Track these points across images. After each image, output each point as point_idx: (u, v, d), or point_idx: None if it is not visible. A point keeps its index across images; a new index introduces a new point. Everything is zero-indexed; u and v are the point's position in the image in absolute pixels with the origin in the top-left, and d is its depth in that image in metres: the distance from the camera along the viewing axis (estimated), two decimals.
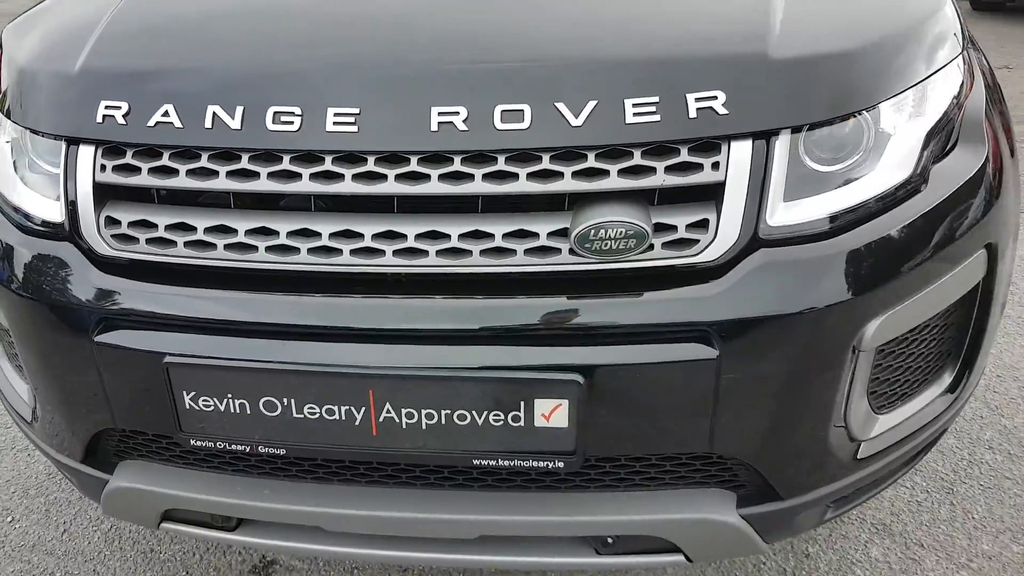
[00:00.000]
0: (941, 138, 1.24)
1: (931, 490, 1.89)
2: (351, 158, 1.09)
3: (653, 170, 1.06)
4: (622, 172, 1.06)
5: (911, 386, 1.30)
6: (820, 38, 1.17)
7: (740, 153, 1.07)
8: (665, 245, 1.07)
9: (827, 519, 1.34)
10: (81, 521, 1.89)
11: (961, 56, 1.32)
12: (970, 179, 1.24)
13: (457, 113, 1.07)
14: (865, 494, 1.35)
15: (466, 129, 1.07)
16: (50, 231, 1.22)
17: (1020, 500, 1.84)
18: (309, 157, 1.09)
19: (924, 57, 1.24)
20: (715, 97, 1.06)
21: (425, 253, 1.08)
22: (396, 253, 1.08)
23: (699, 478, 1.19)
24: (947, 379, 1.35)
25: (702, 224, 1.07)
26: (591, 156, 1.06)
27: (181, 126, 1.12)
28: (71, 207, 1.19)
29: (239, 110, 1.11)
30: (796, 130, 1.11)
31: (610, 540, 1.21)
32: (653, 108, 1.06)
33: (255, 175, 1.10)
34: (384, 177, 1.08)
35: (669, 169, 1.07)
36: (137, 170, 1.14)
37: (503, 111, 1.07)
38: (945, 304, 1.23)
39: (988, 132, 1.33)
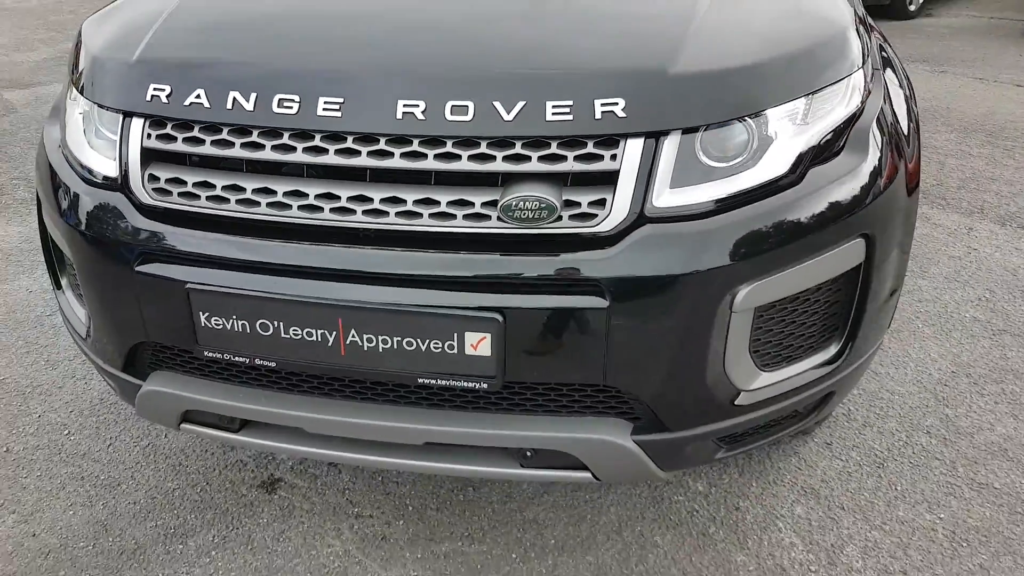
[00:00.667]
0: (825, 144, 1.50)
1: (863, 463, 2.11)
2: (335, 137, 1.40)
3: (565, 158, 1.36)
4: (541, 158, 1.35)
5: (795, 351, 1.55)
6: (717, 58, 1.44)
7: (633, 149, 1.35)
8: (571, 217, 1.36)
9: (720, 457, 1.60)
10: (124, 438, 2.25)
11: (853, 76, 1.57)
12: (846, 180, 1.49)
13: (417, 105, 1.38)
14: (753, 439, 1.61)
15: (423, 119, 1.37)
16: (107, 184, 1.56)
17: (944, 478, 2.04)
18: (303, 135, 1.41)
19: (811, 75, 1.50)
20: (617, 103, 1.35)
21: (387, 214, 1.39)
22: (364, 212, 1.40)
23: (600, 407, 1.47)
24: (832, 350, 1.60)
25: (600, 203, 1.36)
26: (518, 144, 1.36)
27: (209, 106, 1.45)
28: (124, 166, 1.53)
29: (253, 96, 1.44)
30: (688, 131, 1.38)
31: (528, 454, 1.50)
32: (568, 110, 1.35)
33: (262, 147, 1.43)
34: (359, 153, 1.39)
35: (577, 158, 1.36)
36: (174, 139, 1.48)
37: (452, 105, 1.37)
38: (817, 281, 1.48)
39: (877, 142, 1.58)
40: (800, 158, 1.45)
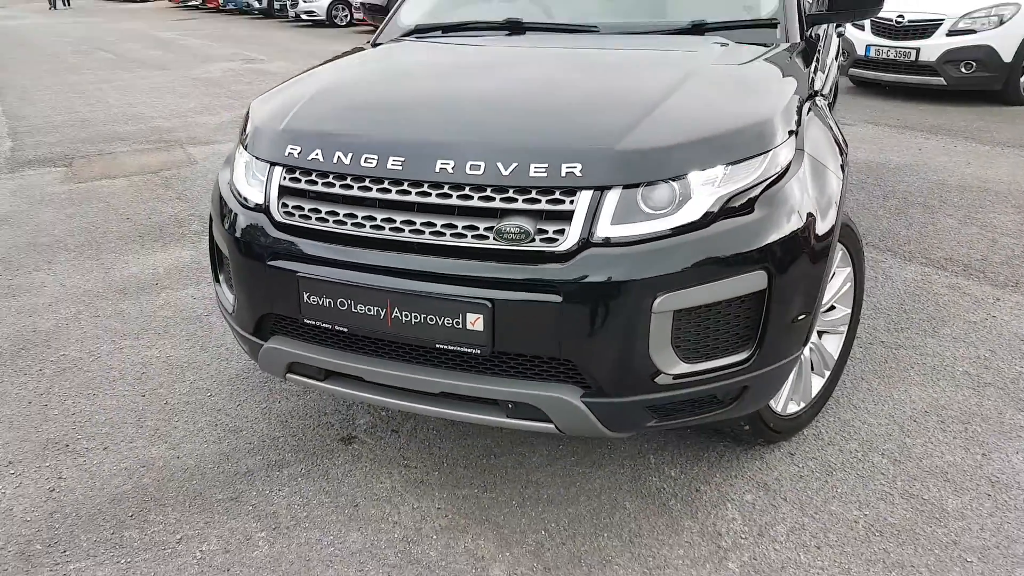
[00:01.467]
0: (738, 197, 2.08)
1: (816, 470, 2.54)
2: (396, 182, 2.13)
3: (540, 200, 2.02)
4: (524, 200, 2.02)
5: (712, 350, 2.10)
6: (657, 138, 2.07)
7: (584, 197, 1.99)
8: (541, 240, 2.00)
9: (652, 425, 2.15)
10: (250, 402, 3.02)
11: (769, 153, 2.15)
12: (750, 227, 2.07)
13: (449, 163, 2.09)
14: (680, 415, 2.15)
15: (452, 172, 2.08)
16: (255, 208, 2.35)
17: (881, 488, 2.46)
18: (377, 180, 2.15)
19: (731, 151, 2.09)
20: (576, 166, 2.01)
21: (423, 232, 2.08)
22: (410, 231, 2.10)
23: (559, 375, 2.08)
24: (744, 354, 2.15)
25: (561, 231, 2.00)
26: (510, 191, 2.03)
27: (322, 160, 2.22)
28: (267, 197, 2.32)
29: (349, 155, 2.18)
30: (629, 187, 2.02)
31: (510, 406, 2.14)
32: (544, 169, 2.02)
33: (351, 187, 2.18)
34: (410, 192, 2.11)
35: (548, 201, 2.02)
36: (299, 181, 2.26)
37: (470, 164, 2.08)
38: (724, 297, 2.05)
39: (785, 202, 2.15)
40: (711, 210, 2.05)
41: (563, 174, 2.00)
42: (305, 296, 2.20)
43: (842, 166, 2.51)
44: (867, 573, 2.13)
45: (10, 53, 16.75)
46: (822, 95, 3.12)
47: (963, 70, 8.01)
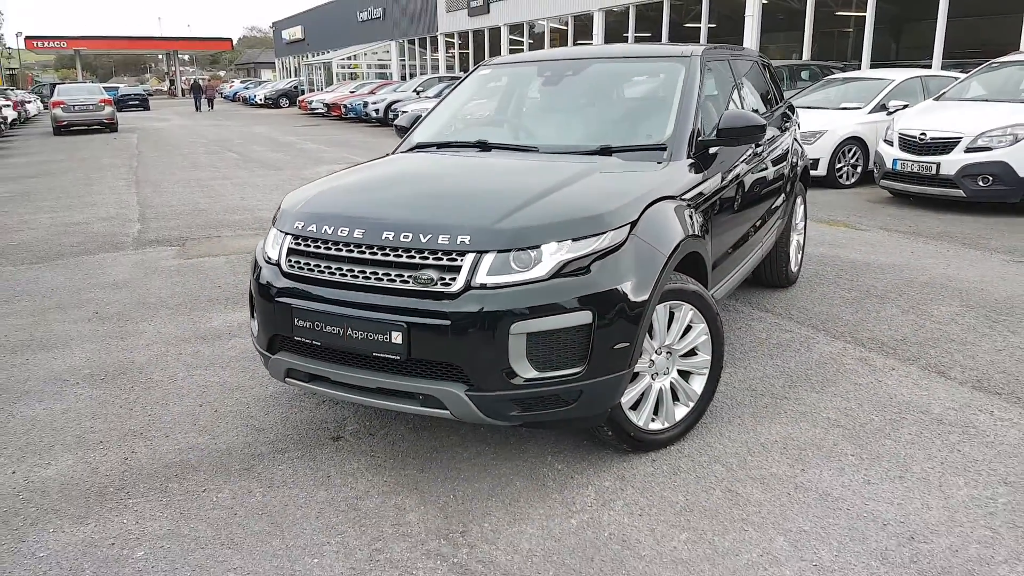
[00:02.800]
0: (580, 260, 3.06)
1: (665, 471, 3.34)
2: (358, 245, 3.21)
3: (442, 258, 3.06)
4: (434, 258, 3.06)
5: (556, 362, 3.02)
6: (526, 220, 3.09)
7: (470, 257, 2.99)
8: (439, 284, 3.03)
9: (515, 415, 3.02)
10: (271, 412, 4.10)
11: (605, 233, 3.12)
12: (582, 280, 3.03)
13: (391, 233, 3.16)
14: (535, 410, 3.03)
15: (392, 239, 3.14)
16: (271, 263, 3.47)
17: (709, 484, 3.24)
18: (346, 244, 3.23)
19: (577, 230, 3.08)
20: (467, 237, 3.04)
21: (369, 277, 3.16)
22: (363, 277, 3.17)
23: (452, 375, 3.06)
24: (578, 368, 3.06)
25: (453, 279, 3.02)
26: (425, 252, 3.08)
27: (315, 231, 3.32)
28: (279, 255, 3.44)
29: (332, 228, 3.27)
30: (501, 252, 3.04)
31: (421, 397, 3.12)
32: (447, 239, 3.04)
33: (330, 248, 3.27)
34: (365, 251, 3.19)
35: (447, 259, 3.04)
36: (299, 243, 3.37)
37: (403, 234, 3.12)
38: (563, 326, 2.99)
39: (610, 268, 3.09)
40: (555, 269, 3.03)
41: (458, 242, 3.04)
42: (296, 321, 3.28)
43: (677, 247, 3.40)
44: (667, 530, 2.97)
45: (153, 152, 19.20)
46: (718, 194, 4.05)
47: (981, 184, 8.67)
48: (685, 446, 3.60)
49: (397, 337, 3.05)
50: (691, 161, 3.92)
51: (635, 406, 3.45)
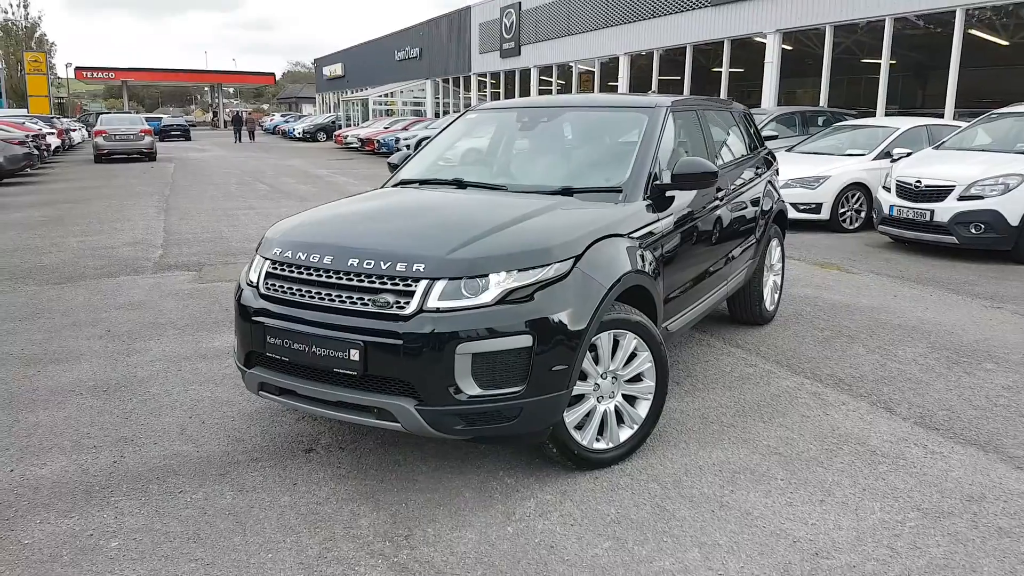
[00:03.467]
0: (525, 288, 3.37)
1: (605, 487, 3.58)
2: (325, 270, 3.55)
3: (399, 284, 3.38)
4: (392, 283, 3.38)
5: (498, 381, 3.32)
6: (475, 251, 3.41)
7: (423, 283, 3.31)
8: (395, 307, 3.36)
9: (460, 429, 3.33)
10: (254, 426, 4.43)
11: (549, 265, 3.44)
12: (526, 306, 3.34)
13: (356, 261, 3.49)
14: (480, 425, 3.33)
15: (356, 265, 3.46)
16: (251, 285, 3.82)
17: (640, 500, 3.48)
18: (315, 269, 3.58)
19: (523, 262, 3.39)
20: (422, 265, 3.36)
21: (335, 299, 3.49)
22: (328, 299, 3.50)
23: (404, 391, 3.37)
24: (519, 388, 3.35)
25: (407, 303, 3.34)
26: (384, 278, 3.40)
27: (291, 257, 3.66)
28: (258, 278, 3.79)
29: (305, 255, 3.62)
30: (452, 279, 3.36)
31: (376, 411, 3.43)
32: (404, 267, 3.37)
33: (301, 272, 3.62)
34: (332, 275, 3.53)
35: (403, 285, 3.36)
36: (276, 267, 3.72)
37: (366, 262, 3.45)
38: (504, 348, 3.30)
39: (551, 297, 3.40)
40: (500, 296, 3.34)
41: (414, 270, 3.37)
42: (268, 338, 3.62)
43: (619, 280, 3.69)
44: (593, 539, 3.23)
45: (187, 181, 19.89)
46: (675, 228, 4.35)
47: (973, 231, 8.86)
48: (628, 465, 3.86)
49: (355, 354, 3.37)
50: (647, 203, 4.22)
51: (580, 426, 3.71)
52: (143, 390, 4.96)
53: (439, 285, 3.33)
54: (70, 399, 4.80)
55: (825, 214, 11.02)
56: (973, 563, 3.05)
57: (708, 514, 3.42)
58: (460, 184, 4.62)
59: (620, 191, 4.22)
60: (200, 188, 18.21)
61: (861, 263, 9.00)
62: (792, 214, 10.84)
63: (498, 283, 3.36)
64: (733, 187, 5.34)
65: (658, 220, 4.23)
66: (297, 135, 48.71)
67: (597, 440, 3.79)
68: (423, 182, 4.85)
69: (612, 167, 4.51)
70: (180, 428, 4.38)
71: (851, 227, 11.23)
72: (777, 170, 6.66)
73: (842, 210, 11.15)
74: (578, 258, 3.57)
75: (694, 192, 4.58)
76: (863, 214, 11.23)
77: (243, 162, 28.20)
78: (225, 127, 73.79)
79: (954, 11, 14.66)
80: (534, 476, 3.78)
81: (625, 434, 3.87)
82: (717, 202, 4.98)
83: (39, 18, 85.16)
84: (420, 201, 4.43)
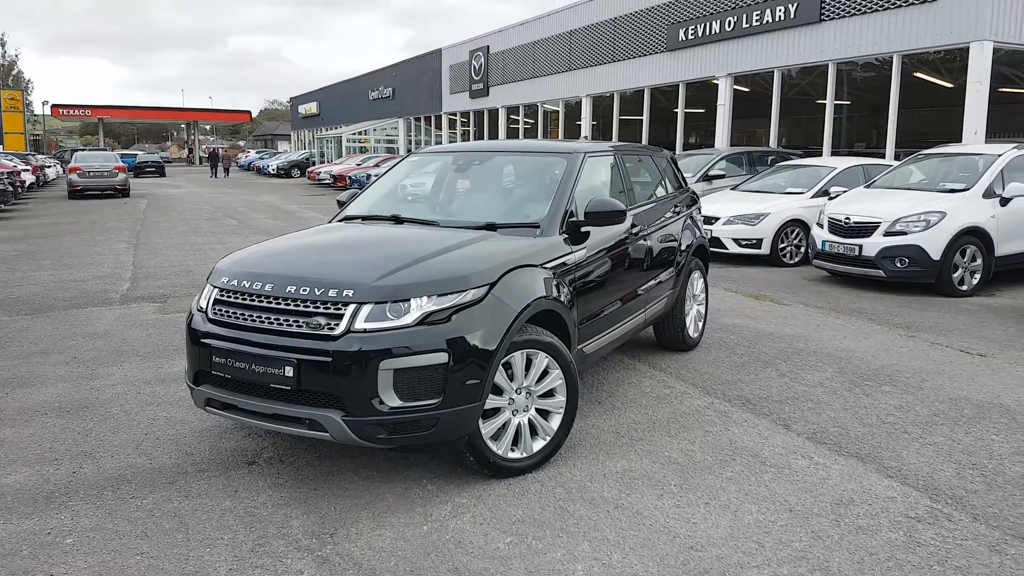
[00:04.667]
0: (444, 311, 3.82)
1: (516, 492, 3.99)
2: (267, 297, 3.98)
3: (330, 308, 3.82)
4: (323, 307, 3.82)
5: (417, 394, 3.75)
6: (400, 278, 3.86)
7: (351, 308, 3.74)
8: (325, 328, 3.79)
9: (383, 438, 3.75)
10: (204, 444, 4.83)
11: (467, 291, 3.89)
12: (444, 326, 3.78)
13: (293, 287, 3.93)
14: (400, 434, 3.76)
15: (293, 292, 3.89)
16: (201, 310, 4.24)
17: (546, 503, 3.92)
18: (256, 295, 4.01)
19: (444, 288, 3.84)
20: (351, 291, 3.80)
21: (273, 322, 3.93)
22: (268, 321, 3.94)
23: (333, 403, 3.79)
24: (436, 400, 3.80)
25: (337, 324, 3.76)
26: (317, 303, 3.83)
27: (236, 284, 4.08)
28: (207, 304, 4.21)
29: (247, 282, 4.05)
30: (378, 303, 3.81)
31: (307, 421, 3.85)
32: (335, 293, 3.80)
33: (248, 299, 4.05)
34: (272, 301, 3.96)
35: (334, 309, 3.80)
36: (222, 294, 4.14)
37: (301, 288, 3.89)
38: (423, 364, 3.73)
39: (470, 318, 3.86)
40: (420, 318, 3.80)
41: (343, 295, 3.81)
42: (214, 358, 4.04)
43: (529, 305, 4.16)
44: (497, 535, 3.65)
45: (158, 217, 20.23)
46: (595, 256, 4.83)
47: (898, 265, 9.44)
48: (540, 473, 4.29)
49: (289, 371, 3.80)
50: (563, 237, 4.71)
51: (496, 437, 4.15)
52: (104, 410, 5.33)
53: (365, 308, 3.78)
54: (35, 418, 5.17)
55: (765, 249, 11.60)
56: (827, 555, 3.49)
57: (603, 514, 3.85)
58: (397, 220, 5.09)
59: (538, 226, 4.70)
60: (171, 224, 18.57)
61: (794, 295, 9.55)
62: (734, 249, 11.46)
63: (418, 307, 3.81)
64: (650, 223, 5.84)
65: (571, 252, 4.71)
66: (271, 171, 49.17)
67: (512, 450, 4.21)
68: (365, 218, 5.31)
69: (532, 205, 5.00)
70: (136, 443, 4.76)
71: (791, 262, 11.82)
72: (700, 209, 7.20)
73: (782, 245, 11.74)
74: (492, 285, 4.03)
75: (611, 228, 5.07)
76: (802, 249, 11.82)
77: (215, 198, 28.56)
78: (201, 163, 74.14)
79: (891, 57, 15.45)
80: (454, 483, 4.19)
81: (538, 445, 4.30)
82: (632, 237, 5.47)
83: (16, 56, 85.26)
84: (358, 235, 4.89)
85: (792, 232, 11.76)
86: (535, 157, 5.61)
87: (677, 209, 6.53)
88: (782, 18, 17.71)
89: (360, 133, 46.70)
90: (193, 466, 4.43)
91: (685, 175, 14.62)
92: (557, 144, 5.76)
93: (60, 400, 5.54)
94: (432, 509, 3.91)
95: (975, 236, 9.38)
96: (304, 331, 3.82)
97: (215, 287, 4.24)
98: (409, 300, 3.81)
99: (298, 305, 3.88)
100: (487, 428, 4.08)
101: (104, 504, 3.97)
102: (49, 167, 39.58)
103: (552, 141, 5.86)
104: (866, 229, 9.70)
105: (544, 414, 4.34)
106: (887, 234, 9.50)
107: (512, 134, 31.26)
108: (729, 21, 19.19)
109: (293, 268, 4.14)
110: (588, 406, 5.37)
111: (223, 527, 3.75)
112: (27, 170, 29.74)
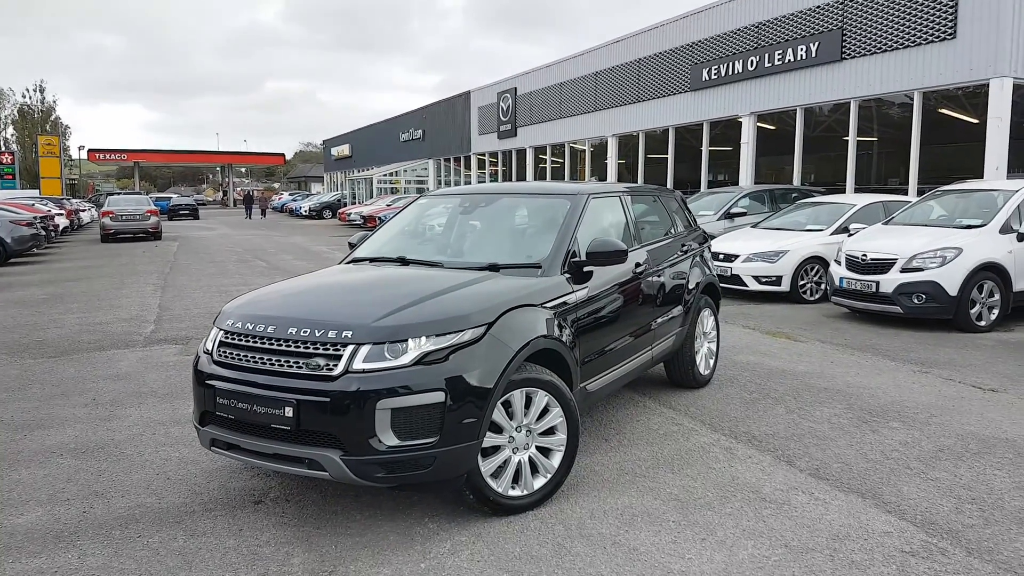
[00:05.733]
0: (439, 354, 3.90)
1: (516, 529, 4.03)
2: (268, 339, 4.09)
3: (329, 349, 3.92)
4: (323, 347, 3.92)
5: (415, 433, 3.82)
6: (399, 319, 3.94)
7: (349, 348, 3.84)
8: (324, 369, 3.89)
9: (381, 476, 3.81)
10: (213, 483, 4.92)
11: (464, 331, 3.97)
12: (441, 365, 3.85)
13: (291, 330, 4.05)
14: (399, 473, 3.84)
15: (295, 334, 4.01)
16: (207, 352, 4.37)
17: (546, 541, 3.96)
18: (260, 337, 4.12)
19: (441, 328, 3.91)
20: (350, 333, 3.91)
21: (272, 363, 4.03)
22: (267, 363, 4.05)
23: (332, 443, 3.86)
24: (434, 438, 3.87)
25: (335, 365, 3.86)
26: (317, 344, 3.94)
27: (240, 327, 4.21)
28: (212, 346, 4.35)
29: (251, 324, 4.17)
30: (376, 343, 3.90)
31: (307, 461, 3.93)
32: (335, 333, 3.90)
33: (246, 340, 4.17)
34: (273, 343, 4.08)
35: (333, 350, 3.91)
36: (227, 336, 4.26)
37: (302, 331, 4.00)
38: (420, 403, 3.81)
39: (465, 357, 3.94)
40: (418, 358, 3.88)
41: (342, 336, 3.91)
42: (218, 399, 4.15)
43: (527, 344, 4.23)
44: (494, 572, 3.68)
45: (188, 259, 20.62)
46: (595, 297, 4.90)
47: (915, 301, 9.39)
48: (541, 511, 4.32)
49: (288, 411, 3.89)
50: (565, 277, 4.79)
51: (496, 475, 4.19)
52: (119, 451, 5.46)
53: (364, 349, 3.87)
54: (51, 459, 5.30)
55: (785, 286, 11.57)
56: None
57: (600, 550, 3.88)
58: (403, 261, 5.20)
59: (540, 267, 4.79)
60: (200, 266, 18.92)
61: (811, 332, 9.51)
62: (754, 286, 11.45)
63: (416, 347, 3.89)
64: (657, 262, 5.91)
65: (573, 292, 4.78)
66: (304, 212, 49.89)
67: (513, 487, 4.25)
68: (373, 259, 5.43)
69: (535, 246, 5.09)
70: (147, 484, 4.86)
71: (811, 299, 11.77)
72: (710, 247, 7.24)
73: (802, 282, 11.71)
74: (490, 325, 4.10)
75: (614, 267, 5.14)
76: (822, 286, 11.77)
77: (246, 240, 29.03)
78: (235, 206, 75.47)
79: (912, 94, 15.46)
80: (455, 521, 4.24)
81: (539, 482, 4.34)
82: (636, 276, 5.53)
83: (54, 102, 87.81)
84: (363, 276, 5.00)
85: (812, 269, 11.73)
86: (540, 199, 5.71)
87: (685, 248, 6.59)
88: (804, 57, 17.82)
89: (391, 174, 47.33)
90: (201, 505, 4.52)
91: (707, 212, 14.81)
92: (562, 186, 5.86)
93: (76, 441, 5.67)
94: (431, 547, 3.96)
95: (992, 272, 9.31)
96: (304, 372, 3.91)
97: (221, 329, 4.36)
98: (407, 340, 3.89)
99: (299, 346, 3.97)
100: (487, 466, 4.13)
101: (111, 543, 4.07)
102: (84, 211, 40.53)
103: (558, 183, 5.99)
104: (883, 266, 9.67)
105: (545, 452, 4.38)
106: (904, 270, 9.46)
107: (540, 174, 31.54)
108: (752, 61, 19.34)
109: (295, 310, 4.25)
110: (594, 443, 5.40)
111: (225, 565, 3.82)
112: (61, 214, 30.48)
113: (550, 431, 4.37)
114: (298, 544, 4.03)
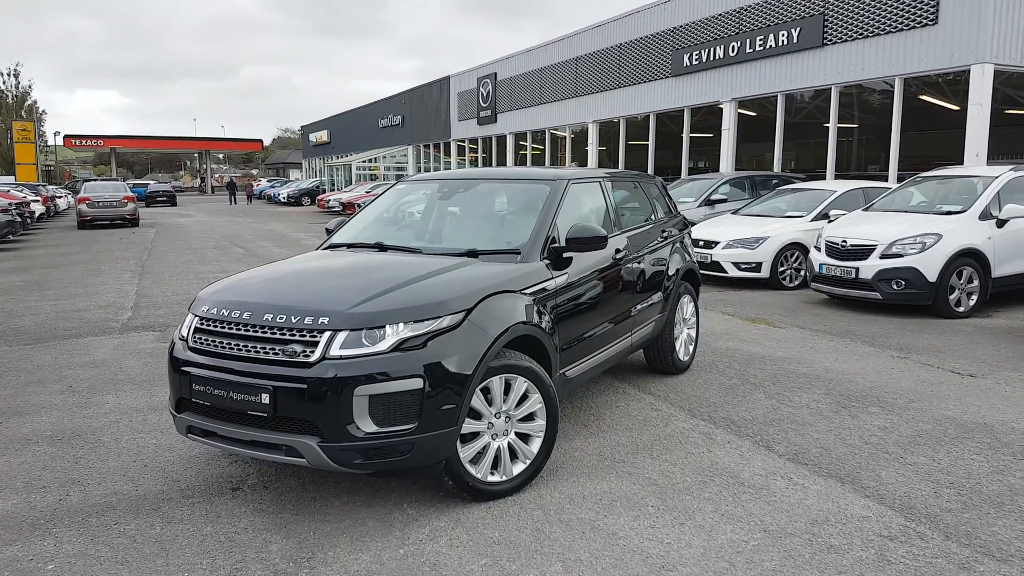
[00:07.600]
0: (416, 340, 3.88)
1: (496, 514, 4.03)
2: (245, 325, 4.05)
3: (306, 336, 3.89)
4: (300, 334, 3.89)
5: (393, 419, 3.81)
6: (375, 306, 3.92)
7: (326, 334, 3.80)
8: (301, 355, 3.85)
9: (359, 463, 3.80)
10: (190, 470, 4.88)
11: (443, 317, 3.95)
12: (418, 352, 3.83)
13: (270, 315, 4.01)
14: (378, 459, 3.83)
15: (270, 320, 3.97)
16: (182, 339, 4.31)
17: (525, 525, 3.98)
18: (235, 323, 4.09)
19: (419, 314, 3.89)
20: (327, 318, 3.88)
21: (250, 350, 4.00)
22: (245, 349, 4.01)
23: (309, 429, 3.84)
24: (412, 424, 3.84)
25: (312, 351, 3.82)
26: (293, 330, 3.90)
27: (215, 313, 4.16)
28: (188, 332, 4.29)
29: (226, 311, 4.13)
30: (354, 330, 3.87)
31: (284, 448, 3.90)
32: (311, 320, 3.87)
33: (223, 326, 4.13)
34: (251, 328, 4.03)
35: (309, 336, 3.87)
36: (202, 323, 4.22)
37: (278, 316, 3.97)
38: (398, 390, 3.79)
39: (446, 343, 3.92)
40: (395, 344, 3.85)
41: (318, 322, 3.88)
42: (194, 386, 4.11)
43: (506, 330, 4.21)
44: (473, 557, 3.68)
45: (165, 246, 20.43)
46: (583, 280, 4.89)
47: (895, 287, 9.45)
48: (521, 496, 4.32)
49: (265, 398, 3.86)
50: (544, 263, 4.77)
51: (475, 461, 4.18)
52: (95, 438, 5.40)
53: (341, 335, 3.84)
54: (27, 447, 5.24)
55: (765, 272, 11.62)
56: (797, 574, 3.51)
57: (579, 535, 3.88)
58: (381, 247, 5.17)
59: (518, 252, 4.76)
60: (177, 253, 18.75)
61: (790, 318, 9.56)
62: (733, 272, 11.49)
63: (394, 333, 3.87)
64: (637, 248, 5.90)
65: (552, 278, 4.77)
66: (282, 199, 49.58)
67: (492, 473, 4.24)
68: (350, 245, 5.39)
69: (514, 232, 5.06)
70: (124, 471, 4.82)
71: (791, 285, 11.83)
72: (690, 234, 7.25)
73: (782, 269, 11.76)
74: (469, 311, 4.08)
75: (594, 253, 5.13)
76: (802, 272, 11.83)
77: (224, 227, 28.80)
78: (212, 192, 74.88)
79: (893, 80, 15.53)
80: (434, 507, 4.23)
81: (518, 468, 4.34)
82: (616, 262, 5.53)
83: (29, 87, 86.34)
84: (340, 263, 4.96)
85: (792, 255, 11.79)
86: (519, 184, 5.69)
87: (666, 234, 6.59)
88: (785, 43, 17.84)
89: (370, 160, 47.10)
90: (178, 492, 4.48)
91: (688, 199, 14.83)
92: (541, 171, 5.84)
93: (52, 429, 5.61)
94: (410, 532, 3.95)
95: (972, 258, 9.39)
96: (280, 358, 3.88)
97: (196, 316, 4.31)
98: (385, 327, 3.86)
99: (275, 333, 3.94)
100: (466, 452, 4.12)
101: (88, 530, 4.03)
102: (60, 197, 40.05)
103: (537, 168, 5.93)
104: (862, 252, 9.72)
105: (524, 438, 4.37)
106: (883, 256, 9.52)
107: (520, 160, 31.47)
108: (733, 46, 19.34)
109: (271, 296, 4.21)
110: (574, 429, 5.40)
111: (203, 552, 3.79)
112: (37, 201, 30.10)
113: (529, 417, 4.36)
114: (276, 531, 4.00)
